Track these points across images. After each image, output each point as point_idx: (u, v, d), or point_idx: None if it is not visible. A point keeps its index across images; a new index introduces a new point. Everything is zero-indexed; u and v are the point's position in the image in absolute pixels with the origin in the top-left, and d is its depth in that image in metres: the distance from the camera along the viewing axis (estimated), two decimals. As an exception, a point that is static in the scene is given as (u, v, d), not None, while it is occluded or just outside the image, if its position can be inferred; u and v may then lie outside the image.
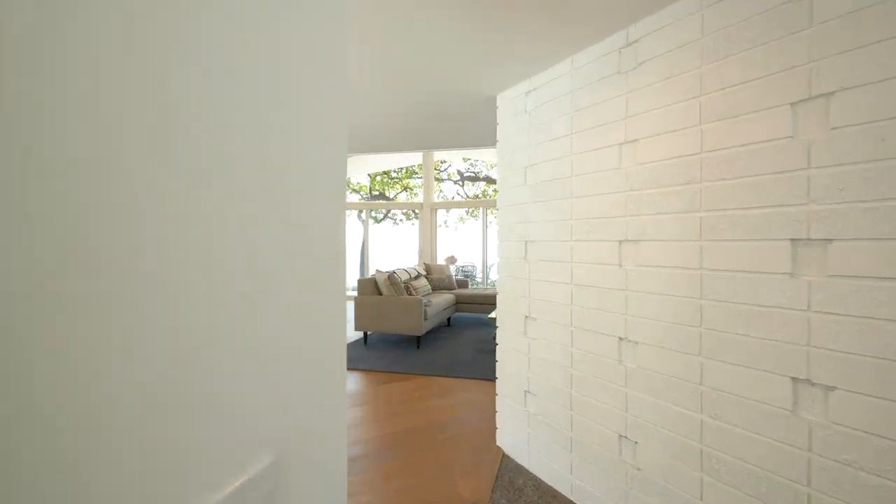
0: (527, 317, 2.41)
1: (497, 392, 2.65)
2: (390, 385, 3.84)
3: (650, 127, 1.73)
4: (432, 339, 5.51)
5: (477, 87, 2.58)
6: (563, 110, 2.15)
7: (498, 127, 2.67)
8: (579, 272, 2.06)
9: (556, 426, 2.19)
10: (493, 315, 4.82)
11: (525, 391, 2.42)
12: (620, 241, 1.86)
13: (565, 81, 2.13)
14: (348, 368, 4.28)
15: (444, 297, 6.04)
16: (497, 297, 2.68)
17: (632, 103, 1.81)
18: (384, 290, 5.17)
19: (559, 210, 2.18)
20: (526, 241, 2.43)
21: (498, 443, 2.67)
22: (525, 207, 2.43)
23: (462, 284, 7.40)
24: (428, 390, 3.70)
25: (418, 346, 5.05)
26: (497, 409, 2.66)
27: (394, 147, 4.29)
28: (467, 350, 4.93)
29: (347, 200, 14.25)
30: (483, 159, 13.08)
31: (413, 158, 10.89)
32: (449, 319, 6.55)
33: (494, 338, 4.84)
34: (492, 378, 3.91)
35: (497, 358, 2.66)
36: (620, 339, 1.85)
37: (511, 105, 2.55)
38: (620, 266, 1.86)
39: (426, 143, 4.16)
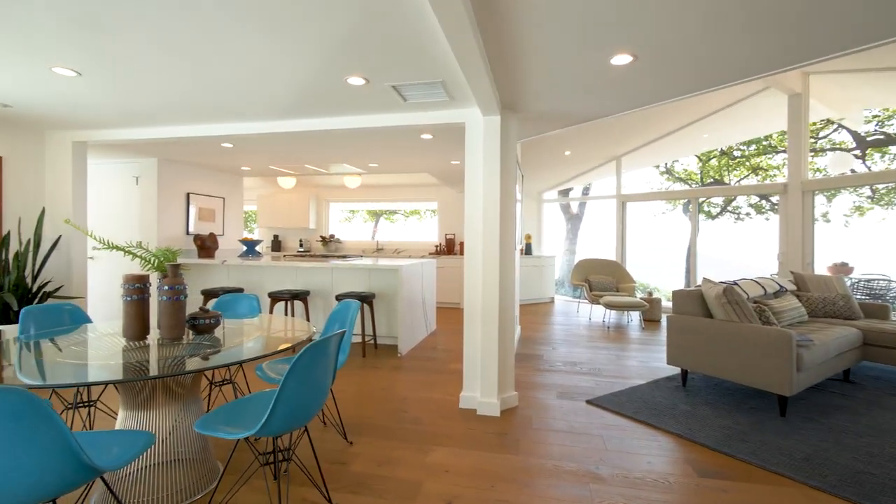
0: None
1: None
2: (726, 485, 2.20)
3: None
4: (815, 404, 3.24)
5: None
6: None
7: None
8: None
9: None
10: None
11: None
12: None
13: None
14: (646, 423, 2.86)
15: (838, 333, 3.53)
16: None
17: None
18: (717, 310, 3.37)
19: None
20: None
21: None
22: None
23: (872, 311, 4.35)
24: (813, 528, 1.87)
25: (783, 414, 3.00)
26: None
27: (729, 72, 2.55)
28: (905, 447, 2.52)
29: (668, 189, 11.81)
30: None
31: (771, 123, 7.73)
32: (847, 373, 3.86)
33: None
34: None
35: None
36: None
37: None
38: None
39: (795, 54, 2.22)
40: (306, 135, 3.88)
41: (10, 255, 3.79)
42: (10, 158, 4.03)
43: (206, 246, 6.05)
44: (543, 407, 3.21)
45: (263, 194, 9.33)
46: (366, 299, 4.60)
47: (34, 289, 3.80)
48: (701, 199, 10.53)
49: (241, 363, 1.87)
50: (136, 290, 2.04)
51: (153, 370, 1.75)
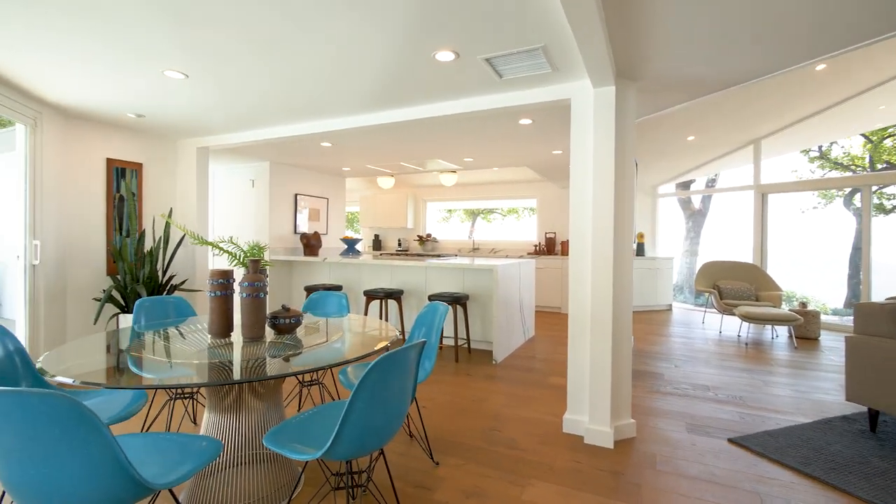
0: None
1: None
2: None
3: None
4: None
5: None
6: None
7: None
8: None
9: None
10: None
11: None
12: None
13: None
14: (823, 482, 2.11)
15: None
16: None
17: None
18: (931, 334, 2.43)
19: None
20: None
21: None
22: None
23: None
24: None
25: None
26: None
27: None
28: None
29: (825, 176, 9.80)
30: None
31: None
32: None
33: None
34: None
35: None
36: None
37: None
38: None
39: None
40: (396, 127, 3.73)
41: (146, 251, 4.23)
42: (148, 165, 4.52)
43: (310, 244, 6.33)
44: (669, 442, 2.60)
45: (365, 195, 9.66)
46: (459, 301, 4.33)
47: (163, 281, 4.19)
48: (875, 188, 8.46)
49: (317, 370, 1.68)
50: (220, 285, 1.98)
51: (234, 371, 1.64)
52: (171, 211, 4.19)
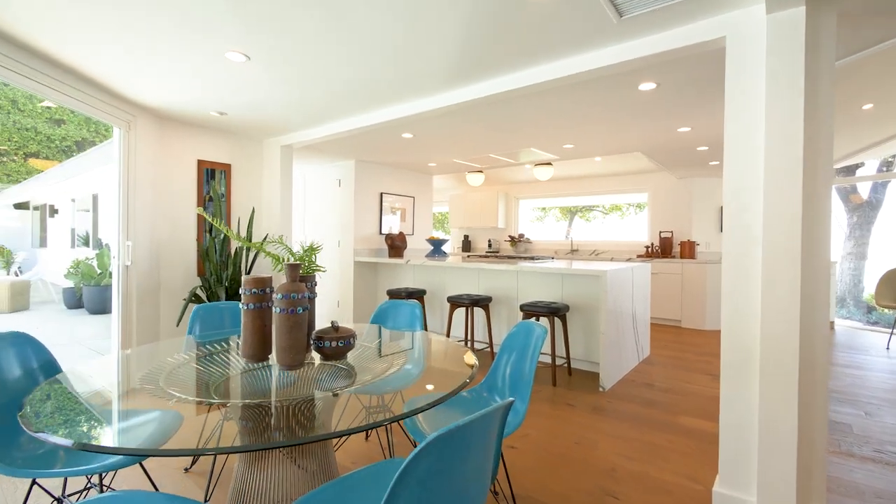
0: None
1: None
2: None
3: None
4: None
5: None
6: None
7: None
8: None
9: None
10: None
11: None
12: None
13: None
14: None
15: None
16: None
17: None
18: None
19: None
20: None
21: None
22: None
23: None
24: None
25: None
26: None
27: None
28: None
29: None
30: None
31: None
32: None
33: None
34: None
35: None
36: None
37: None
38: None
39: None
40: (482, 106, 3.17)
41: (231, 253, 4.20)
42: (236, 166, 4.52)
43: (395, 245, 6.04)
44: (902, 553, 1.66)
45: (454, 195, 9.26)
46: (557, 312, 3.61)
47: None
48: None
49: (366, 430, 1.19)
50: (255, 296, 1.58)
51: (270, 406, 1.21)
52: (252, 211, 4.10)
